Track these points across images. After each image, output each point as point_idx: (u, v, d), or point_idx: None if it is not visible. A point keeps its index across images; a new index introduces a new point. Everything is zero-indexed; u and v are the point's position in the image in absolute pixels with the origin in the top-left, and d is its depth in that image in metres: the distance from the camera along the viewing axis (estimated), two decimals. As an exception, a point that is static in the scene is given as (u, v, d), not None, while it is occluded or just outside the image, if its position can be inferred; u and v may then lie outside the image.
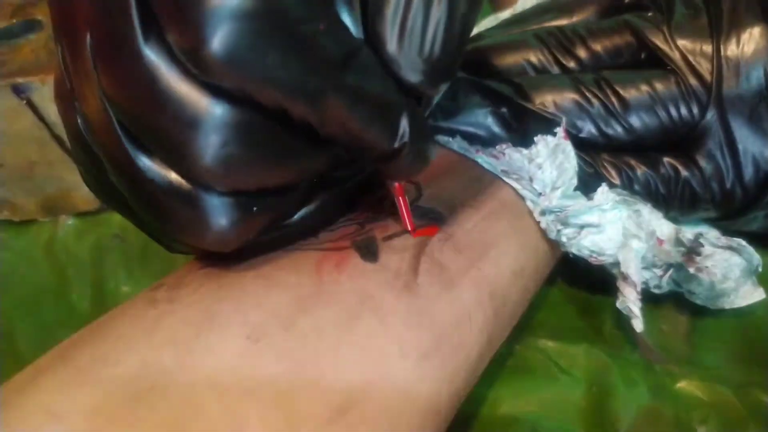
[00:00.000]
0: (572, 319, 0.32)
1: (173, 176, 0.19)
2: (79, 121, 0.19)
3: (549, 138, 0.27)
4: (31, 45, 0.38)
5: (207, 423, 0.18)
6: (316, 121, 0.18)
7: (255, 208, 0.20)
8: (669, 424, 0.28)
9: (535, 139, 0.27)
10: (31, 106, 0.36)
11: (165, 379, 0.19)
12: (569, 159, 0.27)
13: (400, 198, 0.23)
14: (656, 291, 0.30)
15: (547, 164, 0.27)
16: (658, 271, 0.29)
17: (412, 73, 0.19)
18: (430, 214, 0.25)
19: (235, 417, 0.19)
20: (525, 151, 0.27)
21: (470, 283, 0.24)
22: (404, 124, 0.20)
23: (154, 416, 0.18)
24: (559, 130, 0.27)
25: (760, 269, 0.29)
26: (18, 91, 0.35)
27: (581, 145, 0.28)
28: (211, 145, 0.18)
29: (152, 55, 0.17)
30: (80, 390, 0.19)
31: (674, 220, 0.29)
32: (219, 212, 0.19)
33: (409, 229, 0.24)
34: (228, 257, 0.22)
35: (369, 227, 0.24)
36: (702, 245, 0.27)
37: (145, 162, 0.19)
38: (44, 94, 0.35)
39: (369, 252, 0.23)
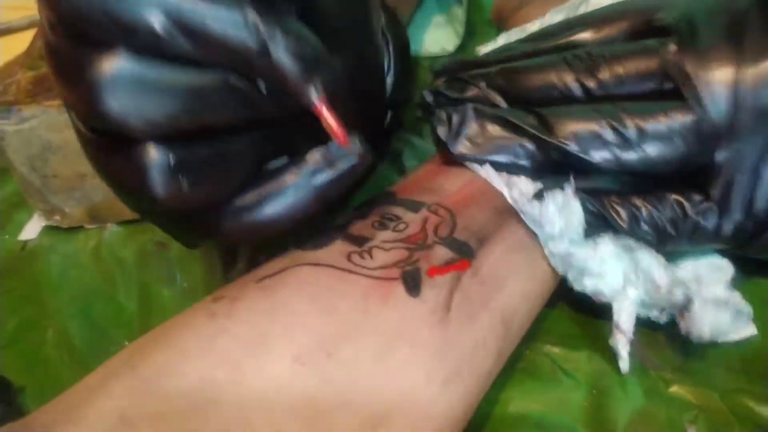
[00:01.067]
0: (576, 328, 0.34)
1: None
2: None
3: (558, 197, 0.28)
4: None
5: None
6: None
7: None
8: (661, 424, 0.29)
9: (545, 194, 0.29)
10: (82, 124, 0.38)
11: (219, 395, 0.21)
12: (576, 215, 0.28)
13: (324, 113, 0.22)
14: (655, 320, 0.31)
15: (555, 218, 0.28)
16: (656, 311, 0.30)
17: None
18: (463, 248, 0.28)
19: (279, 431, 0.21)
20: (537, 204, 0.29)
21: (488, 311, 0.26)
22: (252, 19, 0.20)
23: (208, 427, 0.21)
24: (568, 188, 0.28)
25: (751, 317, 0.29)
26: (70, 111, 0.37)
27: (592, 176, 0.29)
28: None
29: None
30: (147, 398, 0.21)
31: (683, 252, 0.30)
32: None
33: (341, 139, 0.23)
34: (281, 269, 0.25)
35: (417, 256, 0.26)
36: (693, 302, 0.28)
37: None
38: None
39: (414, 285, 0.25)
